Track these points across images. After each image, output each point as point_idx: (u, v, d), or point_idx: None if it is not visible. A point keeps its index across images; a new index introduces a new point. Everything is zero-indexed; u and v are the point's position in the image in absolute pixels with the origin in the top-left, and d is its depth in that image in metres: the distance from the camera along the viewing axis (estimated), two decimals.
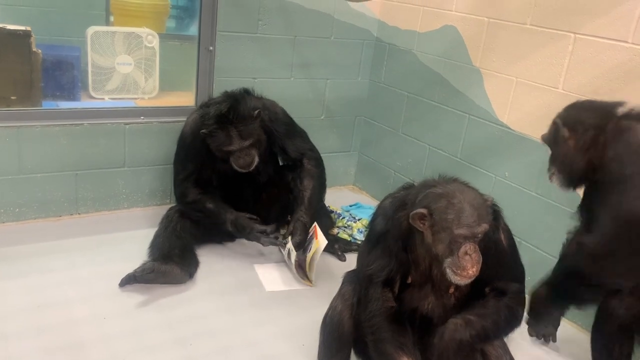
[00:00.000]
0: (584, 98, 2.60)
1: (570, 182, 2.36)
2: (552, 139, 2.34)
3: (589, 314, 2.40)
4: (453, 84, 3.44)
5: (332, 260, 3.26)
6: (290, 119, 3.26)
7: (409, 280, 2.06)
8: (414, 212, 1.89)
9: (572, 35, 2.79)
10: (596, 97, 2.63)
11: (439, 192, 1.90)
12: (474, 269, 1.88)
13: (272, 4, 3.57)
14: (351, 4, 3.77)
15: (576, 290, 2.32)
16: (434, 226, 1.89)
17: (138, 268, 2.72)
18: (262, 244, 3.05)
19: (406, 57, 3.78)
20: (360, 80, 4.10)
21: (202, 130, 2.94)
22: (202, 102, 3.20)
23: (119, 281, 2.71)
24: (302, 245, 3.00)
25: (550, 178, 2.42)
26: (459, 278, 1.90)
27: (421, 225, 1.91)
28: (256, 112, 2.97)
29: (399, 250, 2.01)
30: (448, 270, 1.90)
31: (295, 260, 3.02)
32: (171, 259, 2.82)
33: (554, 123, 2.33)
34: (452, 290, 2.04)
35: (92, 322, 2.49)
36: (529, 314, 2.50)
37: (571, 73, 2.80)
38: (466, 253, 1.87)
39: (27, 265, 2.82)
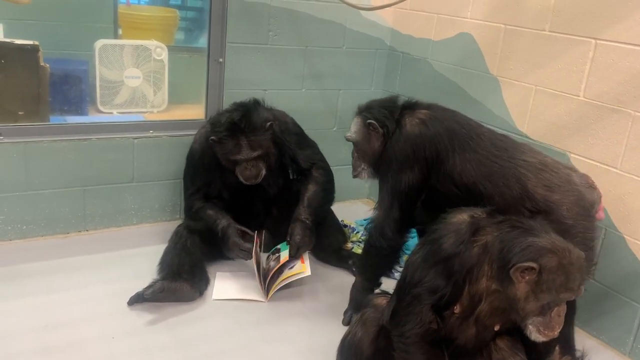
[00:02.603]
0: (608, 106, 2.66)
1: (376, 172, 2.63)
2: (365, 136, 2.59)
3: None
4: (470, 93, 3.37)
5: (345, 275, 3.18)
6: (301, 129, 3.22)
7: (457, 310, 1.93)
8: (522, 265, 1.75)
9: (593, 41, 2.71)
10: (619, 104, 2.60)
11: (547, 247, 1.77)
12: (559, 330, 1.81)
13: (283, 14, 3.52)
14: (363, 12, 3.71)
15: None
16: (539, 285, 1.76)
17: (148, 289, 2.66)
18: (231, 256, 3.02)
19: (420, 66, 3.71)
20: (374, 90, 4.02)
21: (212, 137, 2.89)
22: (211, 115, 3.17)
23: (127, 299, 2.66)
24: (300, 247, 2.90)
25: (359, 175, 2.68)
26: (542, 337, 1.81)
27: (520, 278, 1.78)
28: (268, 124, 2.93)
29: (459, 278, 1.88)
30: (531, 327, 1.81)
31: (264, 269, 2.94)
32: (180, 276, 2.77)
33: (369, 124, 2.54)
34: (497, 328, 1.94)
35: (101, 341, 2.43)
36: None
37: (592, 80, 2.73)
38: (558, 314, 1.79)
39: (34, 283, 2.78)
